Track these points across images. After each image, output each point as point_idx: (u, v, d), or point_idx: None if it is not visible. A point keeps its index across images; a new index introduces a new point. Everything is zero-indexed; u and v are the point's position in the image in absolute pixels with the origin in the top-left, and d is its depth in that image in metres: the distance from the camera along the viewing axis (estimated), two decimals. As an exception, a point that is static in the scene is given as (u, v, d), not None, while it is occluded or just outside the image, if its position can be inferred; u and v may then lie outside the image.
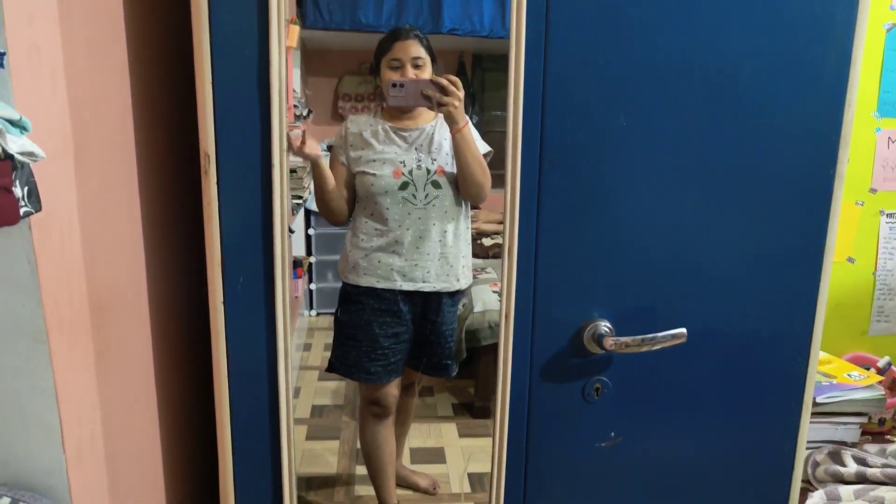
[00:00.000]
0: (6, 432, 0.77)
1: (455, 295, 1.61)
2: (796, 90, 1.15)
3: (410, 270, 1.53)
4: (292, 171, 1.47)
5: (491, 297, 1.78)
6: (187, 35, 1.01)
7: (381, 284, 1.54)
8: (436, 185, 1.50)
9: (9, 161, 0.65)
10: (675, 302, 1.21)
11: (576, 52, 1.09)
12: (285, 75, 1.02)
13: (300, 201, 1.71)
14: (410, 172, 1.49)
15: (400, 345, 1.59)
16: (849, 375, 1.83)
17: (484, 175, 1.47)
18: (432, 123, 1.51)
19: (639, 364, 1.22)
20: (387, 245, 1.52)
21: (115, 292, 0.97)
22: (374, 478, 1.68)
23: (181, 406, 1.29)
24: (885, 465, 1.64)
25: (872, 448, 1.77)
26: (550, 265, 1.15)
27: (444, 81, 1.35)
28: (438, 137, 1.50)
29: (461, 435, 1.90)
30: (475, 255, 1.75)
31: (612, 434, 1.25)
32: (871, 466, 1.65)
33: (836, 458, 1.73)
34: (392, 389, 1.63)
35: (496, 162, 1.41)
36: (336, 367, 1.60)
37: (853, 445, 1.78)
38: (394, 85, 1.38)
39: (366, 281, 1.54)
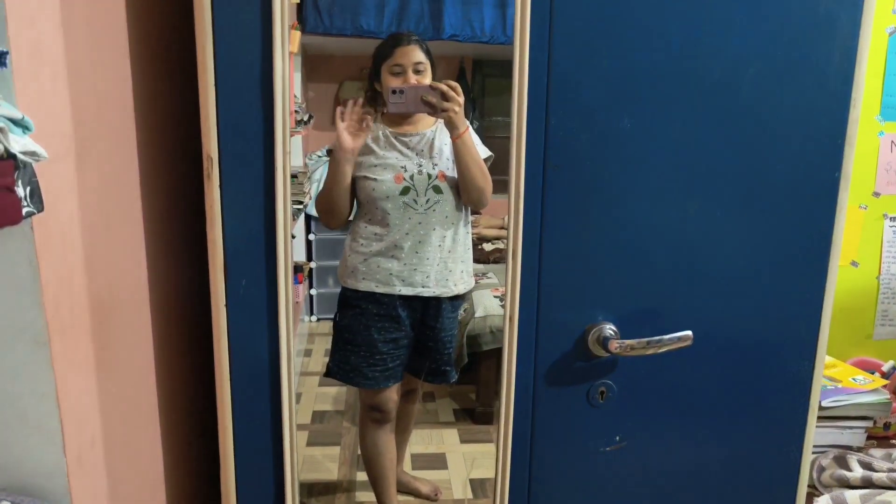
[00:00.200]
0: (6, 435, 0.76)
1: (454, 300, 1.60)
2: (801, 91, 1.15)
3: (410, 275, 1.53)
4: (293, 176, 1.47)
5: (492, 302, 1.78)
6: (190, 37, 1.01)
7: (380, 289, 1.53)
8: (437, 189, 1.49)
9: (11, 161, 0.64)
10: (680, 305, 1.20)
11: (580, 55, 1.08)
12: (288, 76, 1.02)
13: (300, 206, 1.70)
14: (412, 177, 1.48)
15: (399, 350, 1.58)
16: (854, 379, 1.82)
17: (485, 180, 1.47)
18: (432, 128, 1.51)
19: (644, 367, 1.21)
20: (386, 249, 1.51)
21: (117, 294, 0.97)
22: (375, 484, 1.67)
23: (183, 410, 1.28)
24: (890, 470, 1.63)
25: (878, 452, 1.76)
26: (554, 267, 1.15)
27: (444, 87, 1.35)
28: (439, 142, 1.50)
29: (462, 441, 1.89)
30: (476, 261, 1.74)
31: (618, 438, 1.24)
32: (877, 471, 1.64)
33: (841, 462, 1.71)
34: (391, 395, 1.63)
35: (498, 167, 1.41)
36: (334, 371, 1.59)
37: (859, 450, 1.77)
38: (394, 91, 1.38)
39: (364, 285, 1.54)
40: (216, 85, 1.01)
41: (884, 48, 1.92)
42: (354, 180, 1.51)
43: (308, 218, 1.83)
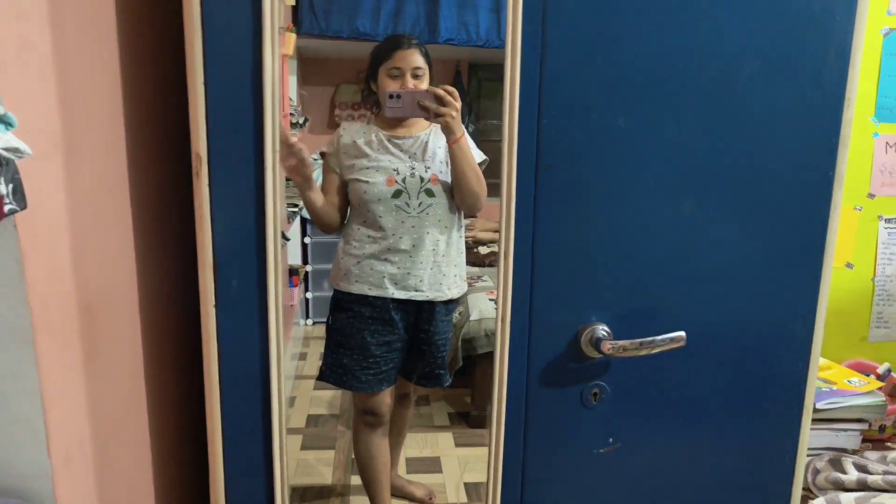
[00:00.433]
0: (-9, 436, 0.76)
1: (448, 304, 1.60)
2: (795, 90, 1.14)
3: (403, 279, 1.52)
4: (288, 178, 1.47)
5: (487, 306, 1.78)
6: (180, 34, 1.00)
7: (373, 292, 1.53)
8: (429, 193, 1.49)
9: (-7, 157, 0.64)
10: (674, 306, 1.20)
11: (573, 53, 1.08)
12: (278, 75, 1.01)
13: (296, 209, 1.70)
14: (404, 180, 1.48)
15: (392, 353, 1.58)
16: (849, 382, 1.82)
17: (480, 185, 1.47)
18: (426, 131, 1.51)
19: (637, 369, 1.21)
20: (379, 252, 1.51)
21: (105, 293, 0.96)
22: (369, 488, 1.67)
23: (172, 411, 1.27)
24: (886, 472, 1.63)
25: (873, 455, 1.75)
26: (547, 268, 1.14)
27: (441, 92, 1.34)
28: (433, 145, 1.50)
29: (457, 444, 1.89)
30: (472, 264, 1.74)
31: (611, 440, 1.23)
32: (872, 473, 1.63)
33: (836, 465, 1.71)
34: (385, 398, 1.62)
35: (492, 170, 1.41)
36: (327, 374, 1.59)
37: (854, 452, 1.77)
38: (391, 96, 1.38)
39: (357, 288, 1.53)
40: (205, 83, 1.00)
41: (878, 49, 1.92)
42: (347, 183, 1.51)
43: (304, 221, 1.83)
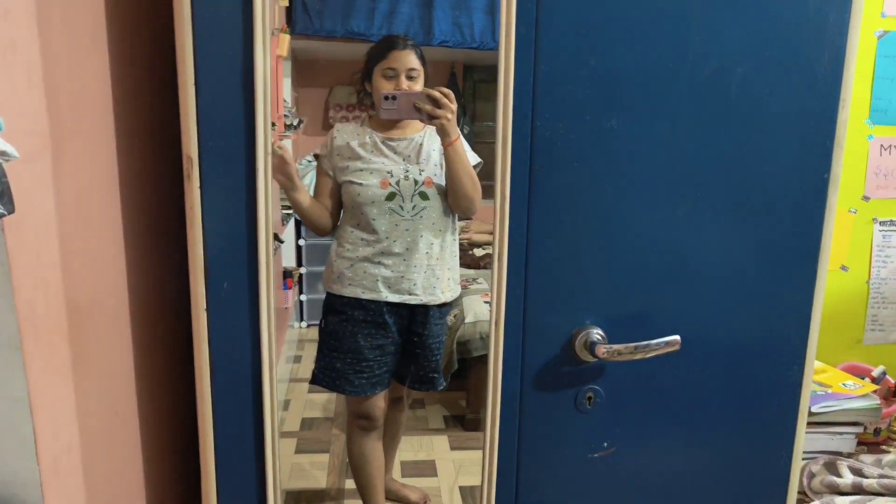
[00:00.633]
0: (-23, 442, 0.74)
1: (442, 307, 1.59)
2: (790, 92, 1.14)
3: (397, 282, 1.52)
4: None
5: (482, 308, 1.77)
6: (170, 34, 0.99)
7: (367, 295, 1.52)
8: (423, 196, 1.48)
9: (-22, 160, 0.63)
10: (668, 309, 1.19)
11: (566, 54, 1.07)
12: (269, 77, 1.01)
13: (290, 211, 1.69)
14: (397, 183, 1.47)
15: (385, 357, 1.57)
16: (844, 385, 1.82)
17: (474, 188, 1.46)
18: (421, 133, 1.50)
19: (632, 372, 1.20)
20: (373, 255, 1.50)
21: (95, 297, 0.95)
22: (363, 492, 1.66)
23: (163, 416, 1.26)
24: (881, 476, 1.62)
25: (868, 458, 1.75)
26: (541, 271, 1.13)
27: (436, 94, 1.34)
28: (427, 147, 1.49)
29: (452, 448, 1.88)
30: (467, 266, 1.74)
31: (605, 444, 1.23)
32: (867, 477, 1.63)
33: (832, 468, 1.71)
34: (378, 402, 1.61)
35: (486, 173, 1.40)
36: (320, 378, 1.58)
37: (849, 456, 1.77)
38: (386, 98, 1.37)
39: (350, 291, 1.52)
40: (196, 84, 0.99)
41: (873, 52, 1.92)
42: (340, 185, 1.50)
43: (298, 223, 1.82)
